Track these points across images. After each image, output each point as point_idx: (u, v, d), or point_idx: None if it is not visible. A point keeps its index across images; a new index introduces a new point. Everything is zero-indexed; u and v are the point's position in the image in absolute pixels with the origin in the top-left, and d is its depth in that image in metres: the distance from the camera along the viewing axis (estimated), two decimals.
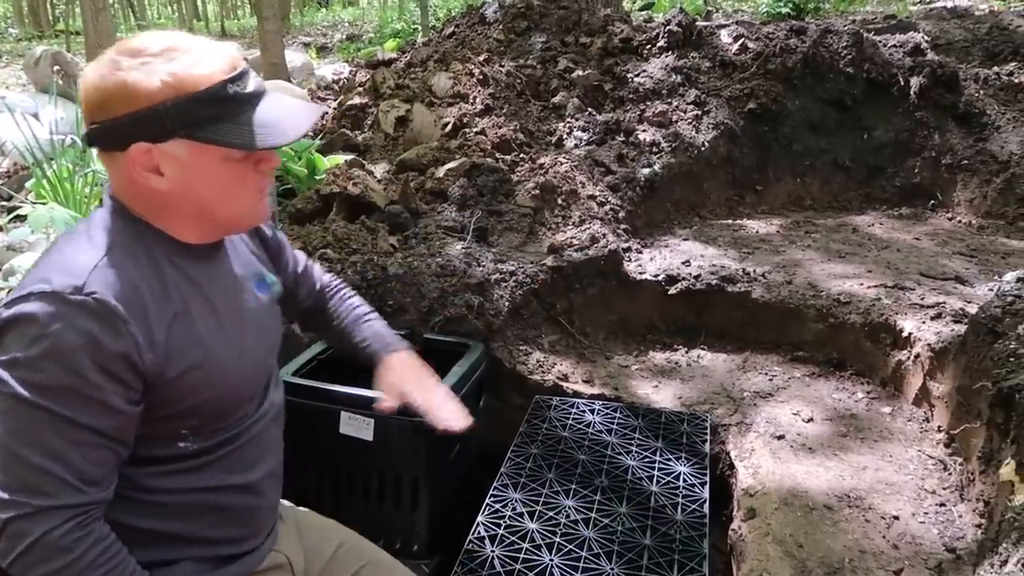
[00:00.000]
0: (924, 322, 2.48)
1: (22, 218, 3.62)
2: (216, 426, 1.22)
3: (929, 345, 2.36)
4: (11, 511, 1.02)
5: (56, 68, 7.44)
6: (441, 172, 3.48)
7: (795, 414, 2.40)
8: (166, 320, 1.11)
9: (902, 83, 4.37)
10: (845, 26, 4.88)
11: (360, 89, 4.86)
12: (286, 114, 1.15)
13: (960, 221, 3.99)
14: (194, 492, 1.21)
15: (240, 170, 1.14)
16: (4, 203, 4.53)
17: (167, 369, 1.10)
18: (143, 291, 1.09)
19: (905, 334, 2.49)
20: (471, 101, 4.24)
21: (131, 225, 1.14)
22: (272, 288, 1.38)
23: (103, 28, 8.72)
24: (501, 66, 4.52)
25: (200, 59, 1.08)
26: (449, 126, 4.06)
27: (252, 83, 1.13)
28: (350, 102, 4.65)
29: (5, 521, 1.02)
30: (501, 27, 4.99)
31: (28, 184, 3.99)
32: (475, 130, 3.95)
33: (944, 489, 2.02)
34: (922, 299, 2.66)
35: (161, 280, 1.13)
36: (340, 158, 3.86)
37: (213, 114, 1.08)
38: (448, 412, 1.48)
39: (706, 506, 1.95)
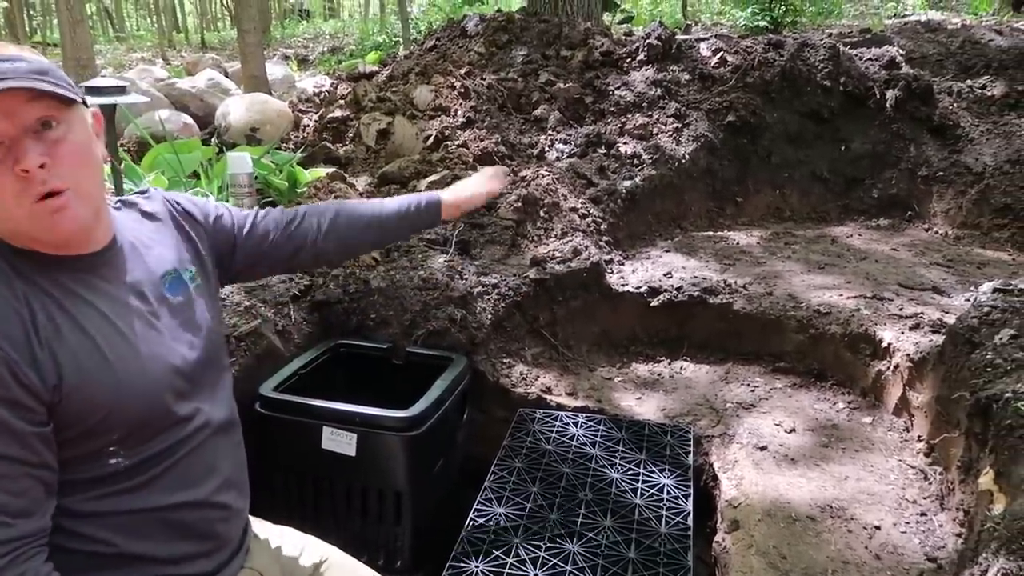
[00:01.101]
0: (903, 332, 2.51)
1: None
2: (144, 436, 1.16)
3: (908, 355, 2.38)
4: None
5: None
6: (423, 185, 3.49)
7: (777, 425, 2.41)
8: (46, 334, 1.06)
9: (878, 96, 4.44)
10: (822, 40, 4.96)
11: (341, 102, 4.86)
12: None
13: (936, 232, 4.05)
14: (141, 513, 1.16)
15: None
16: None
17: (63, 380, 1.06)
18: (16, 307, 1.05)
19: (884, 344, 2.52)
20: (452, 114, 4.25)
21: None
22: (192, 284, 1.31)
23: (80, 41, 8.66)
24: (482, 79, 4.53)
25: None
26: (431, 139, 4.07)
27: None
28: (331, 115, 4.64)
29: None
30: (482, 40, 5.01)
31: None
32: (457, 143, 3.96)
33: (925, 499, 2.04)
34: (900, 309, 2.69)
35: (38, 294, 1.09)
36: (321, 171, 3.85)
37: None
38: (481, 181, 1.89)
39: (690, 518, 1.96)
